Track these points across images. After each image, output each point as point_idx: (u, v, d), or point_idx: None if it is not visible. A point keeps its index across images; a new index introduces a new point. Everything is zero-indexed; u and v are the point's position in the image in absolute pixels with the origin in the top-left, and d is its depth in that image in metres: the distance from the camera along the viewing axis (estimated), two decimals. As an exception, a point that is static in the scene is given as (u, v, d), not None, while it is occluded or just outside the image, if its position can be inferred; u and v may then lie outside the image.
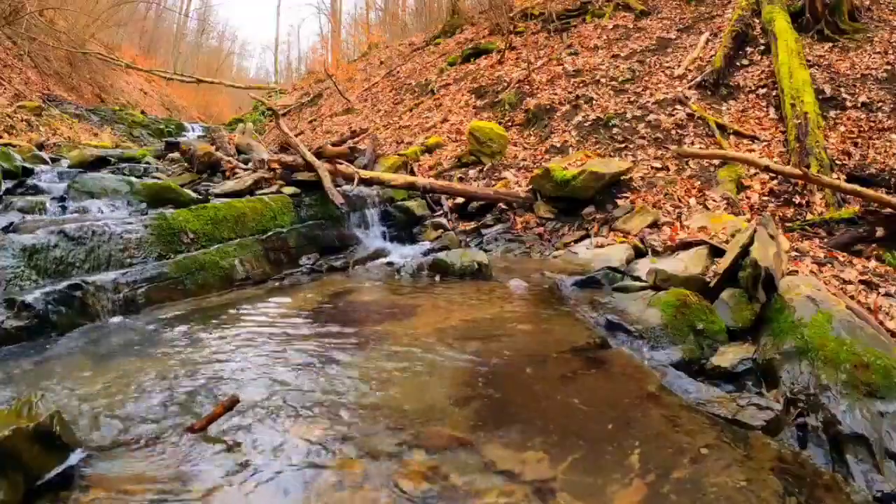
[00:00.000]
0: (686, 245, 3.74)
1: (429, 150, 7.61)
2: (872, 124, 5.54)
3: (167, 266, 3.38)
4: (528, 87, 8.17)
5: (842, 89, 6.05)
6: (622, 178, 5.32)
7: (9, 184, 4.59)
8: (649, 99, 6.82)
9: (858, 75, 6.19)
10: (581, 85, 7.65)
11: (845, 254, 3.77)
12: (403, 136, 8.69)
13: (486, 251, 4.53)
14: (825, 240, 4.09)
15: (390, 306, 3.23)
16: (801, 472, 1.59)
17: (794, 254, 3.68)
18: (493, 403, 1.92)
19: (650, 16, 9.32)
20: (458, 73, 10.34)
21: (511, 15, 11.02)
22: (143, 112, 16.46)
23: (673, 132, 6.16)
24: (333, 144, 6.75)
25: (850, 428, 1.85)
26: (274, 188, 4.84)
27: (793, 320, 2.38)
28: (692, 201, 4.98)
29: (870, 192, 4.04)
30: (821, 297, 2.46)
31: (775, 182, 5.11)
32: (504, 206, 5.48)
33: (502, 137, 6.79)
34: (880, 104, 5.72)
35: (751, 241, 2.89)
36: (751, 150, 5.65)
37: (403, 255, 4.62)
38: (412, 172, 6.75)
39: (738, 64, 7.11)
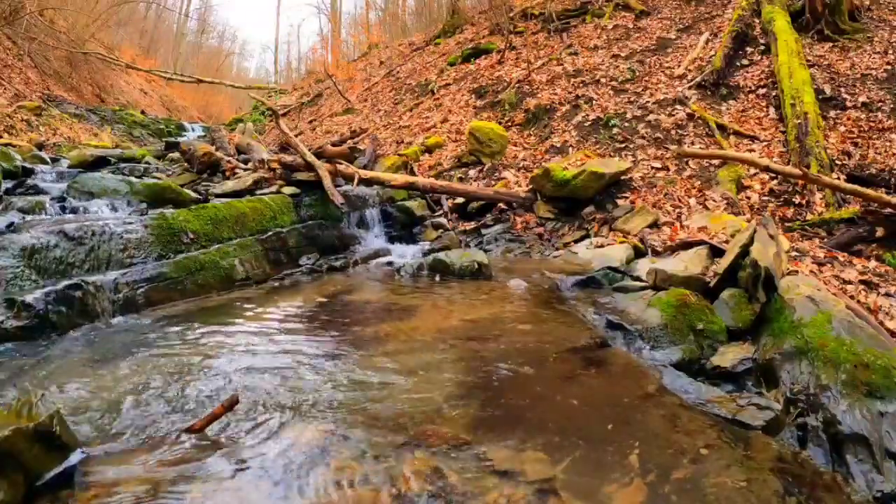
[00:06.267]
0: (686, 245, 3.74)
1: (429, 150, 7.61)
2: (872, 124, 5.54)
3: (167, 266, 3.38)
4: (528, 87, 8.17)
5: (842, 89, 6.05)
6: (622, 178, 5.32)
7: (9, 184, 4.59)
8: (649, 99, 6.83)
9: (858, 75, 6.19)
10: (581, 85, 7.65)
11: (845, 254, 3.77)
12: (403, 136, 8.69)
13: (486, 251, 4.53)
14: (825, 240, 4.09)
15: (390, 306, 3.23)
16: (801, 472, 1.59)
17: (794, 254, 3.68)
18: (493, 403, 1.92)
19: (650, 16, 9.32)
20: (458, 73, 10.34)
21: (511, 15, 11.03)
22: (143, 112, 16.46)
23: (673, 132, 6.16)
24: (333, 144, 6.76)
25: (850, 428, 1.85)
26: (274, 188, 4.84)
27: (793, 320, 2.38)
28: (692, 201, 4.98)
29: (870, 192, 4.04)
30: (821, 297, 2.46)
31: (775, 182, 5.11)
32: (504, 206, 5.48)
33: (502, 137, 6.79)
34: (880, 104, 5.72)
35: (751, 241, 2.89)
36: (751, 150, 5.65)
37: (403, 255, 4.62)
38: (412, 172, 6.75)
39: (738, 64, 7.11)
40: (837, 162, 5.18)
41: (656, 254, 4.02)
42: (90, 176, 4.49)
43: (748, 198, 5.03)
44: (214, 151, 5.93)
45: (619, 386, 2.10)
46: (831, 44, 6.86)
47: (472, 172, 6.52)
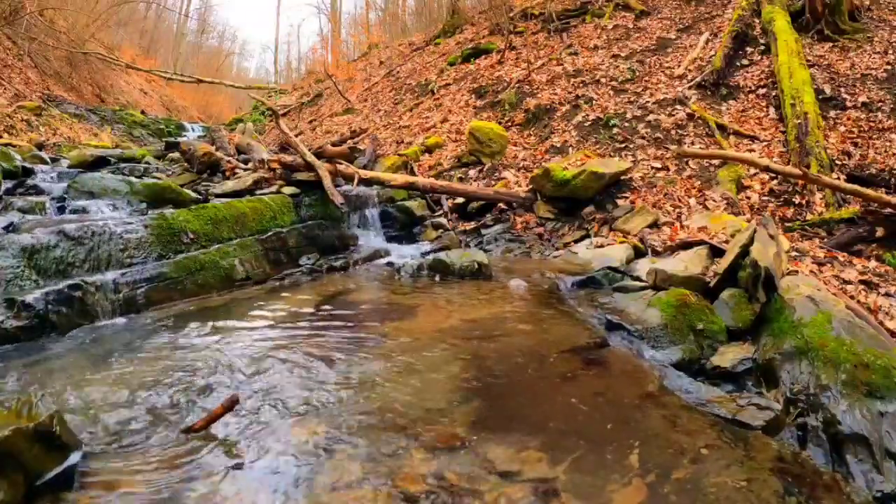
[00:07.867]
0: (686, 245, 3.74)
1: (429, 150, 7.61)
2: (872, 124, 5.54)
3: (167, 266, 3.38)
4: (528, 87, 8.17)
5: (842, 89, 6.05)
6: (622, 178, 5.32)
7: (9, 184, 4.59)
8: (649, 99, 6.83)
9: (858, 75, 6.19)
10: (581, 85, 7.65)
11: (845, 254, 3.77)
12: (403, 136, 8.69)
13: (486, 251, 4.53)
14: (825, 240, 4.09)
15: (390, 306, 3.23)
16: (801, 472, 1.59)
17: (794, 254, 3.68)
18: (493, 403, 1.92)
19: (650, 16, 9.32)
20: (458, 73, 10.34)
21: (511, 15, 11.03)
22: (143, 112, 16.46)
23: (673, 132, 6.16)
24: (333, 144, 6.76)
25: (850, 428, 1.85)
26: (274, 188, 4.84)
27: (793, 320, 2.37)
28: (692, 201, 4.98)
29: (870, 192, 4.04)
30: (821, 297, 2.46)
31: (775, 182, 5.11)
32: (504, 206, 5.48)
33: (502, 137, 6.79)
34: (880, 104, 5.72)
35: (751, 241, 2.89)
36: (751, 150, 5.65)
37: (403, 255, 4.62)
38: (412, 172, 6.75)
39: (738, 64, 7.11)
40: (837, 162, 5.18)
41: (656, 254, 4.02)
42: (90, 176, 4.49)
43: (748, 198, 5.03)
44: (214, 151, 5.93)
45: (619, 386, 2.10)
46: (831, 44, 6.86)
47: (472, 172, 6.52)
